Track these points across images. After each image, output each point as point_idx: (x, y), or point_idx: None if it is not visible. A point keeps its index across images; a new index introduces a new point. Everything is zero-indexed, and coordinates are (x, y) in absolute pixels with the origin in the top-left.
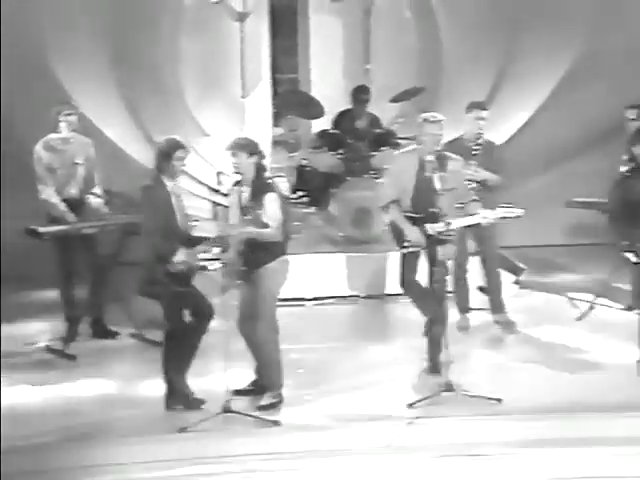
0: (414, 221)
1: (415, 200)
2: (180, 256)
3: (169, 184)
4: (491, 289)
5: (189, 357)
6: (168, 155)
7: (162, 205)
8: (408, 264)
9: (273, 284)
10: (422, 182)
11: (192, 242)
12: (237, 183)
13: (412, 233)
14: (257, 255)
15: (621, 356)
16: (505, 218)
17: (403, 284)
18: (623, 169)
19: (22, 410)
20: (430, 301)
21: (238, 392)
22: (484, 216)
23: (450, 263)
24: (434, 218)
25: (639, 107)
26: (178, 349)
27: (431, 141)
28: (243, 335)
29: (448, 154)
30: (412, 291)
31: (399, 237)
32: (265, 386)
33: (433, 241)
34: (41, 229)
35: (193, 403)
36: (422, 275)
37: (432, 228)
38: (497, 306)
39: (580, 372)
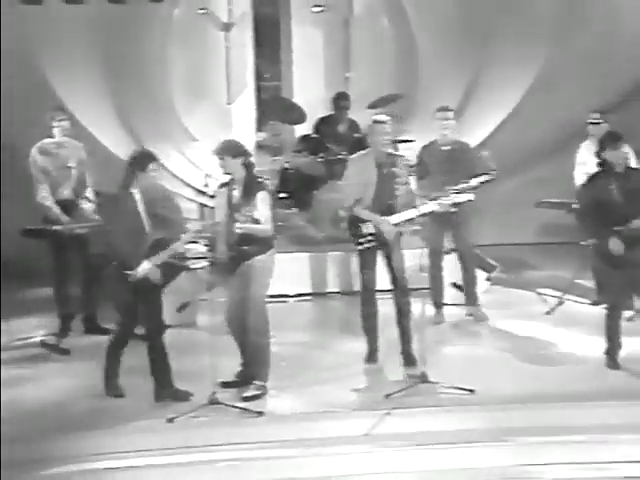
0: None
1: (376, 197)
2: (143, 268)
3: (137, 193)
4: (466, 283)
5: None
6: (140, 166)
7: (128, 216)
8: (366, 262)
9: (264, 276)
10: (382, 179)
11: (159, 246)
12: (223, 185)
13: (382, 223)
14: (249, 248)
15: (589, 348)
16: (457, 204)
17: (363, 283)
18: (590, 171)
19: (19, 402)
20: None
21: (225, 384)
22: (438, 203)
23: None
24: (392, 212)
25: (601, 112)
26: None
27: (381, 141)
28: (232, 328)
29: (395, 152)
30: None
31: (356, 234)
32: (253, 375)
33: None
34: (55, 227)
35: (180, 395)
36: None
37: (389, 220)
38: (471, 299)
39: (550, 364)
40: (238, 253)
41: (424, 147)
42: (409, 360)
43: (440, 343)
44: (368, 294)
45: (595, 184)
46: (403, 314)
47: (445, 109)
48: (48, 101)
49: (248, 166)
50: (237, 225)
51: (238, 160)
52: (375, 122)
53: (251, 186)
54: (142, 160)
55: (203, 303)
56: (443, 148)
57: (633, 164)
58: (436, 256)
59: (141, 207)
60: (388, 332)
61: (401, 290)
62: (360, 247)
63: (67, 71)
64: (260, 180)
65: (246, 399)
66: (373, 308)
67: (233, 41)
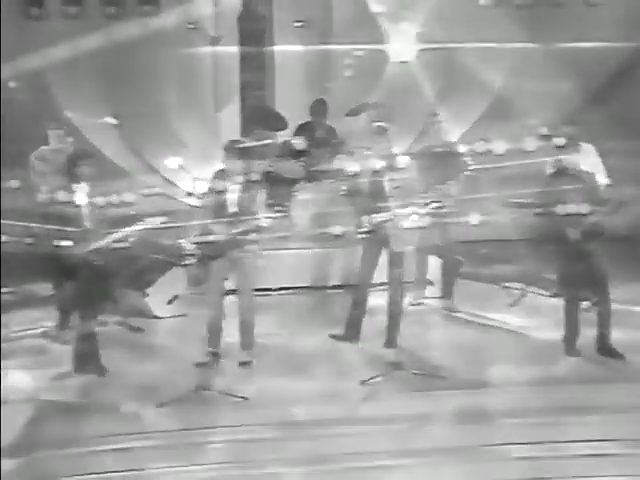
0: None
1: (371, 196)
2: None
3: (78, 188)
4: (447, 278)
5: None
6: (72, 164)
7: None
8: (367, 258)
9: (254, 266)
10: (374, 182)
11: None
12: (211, 188)
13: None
14: (247, 241)
15: (549, 336)
16: (437, 208)
17: (360, 278)
18: (548, 172)
19: (20, 389)
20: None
21: (199, 365)
22: (413, 212)
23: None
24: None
25: (550, 126)
26: None
27: (380, 147)
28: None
29: (393, 154)
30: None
31: (358, 226)
32: (247, 345)
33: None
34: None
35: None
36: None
37: (375, 219)
38: (448, 293)
39: (514, 351)
40: (237, 245)
41: (419, 150)
42: (391, 343)
43: (415, 332)
44: (361, 289)
45: (550, 184)
46: (394, 302)
47: (433, 114)
48: (52, 113)
49: (248, 167)
50: (263, 219)
51: (240, 161)
52: (378, 128)
53: (252, 184)
54: (73, 159)
55: (190, 296)
56: (436, 150)
57: (585, 167)
58: (424, 254)
59: (82, 201)
60: (369, 325)
61: (396, 281)
62: (362, 236)
63: (70, 85)
64: (259, 179)
65: (243, 364)
66: (363, 305)
67: (220, 53)
